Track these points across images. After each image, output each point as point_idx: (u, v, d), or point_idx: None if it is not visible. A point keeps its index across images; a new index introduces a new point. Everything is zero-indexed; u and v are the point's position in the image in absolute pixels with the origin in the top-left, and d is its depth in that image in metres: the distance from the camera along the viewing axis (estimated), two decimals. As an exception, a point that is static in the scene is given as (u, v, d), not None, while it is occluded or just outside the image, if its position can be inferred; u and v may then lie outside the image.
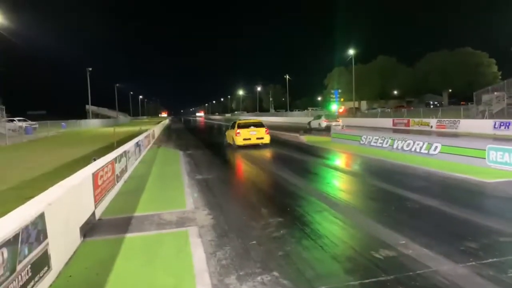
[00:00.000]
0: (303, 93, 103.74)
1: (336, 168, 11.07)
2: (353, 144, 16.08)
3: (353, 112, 52.92)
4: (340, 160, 12.78)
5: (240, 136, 16.56)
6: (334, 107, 47.00)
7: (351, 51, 48.49)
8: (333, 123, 26.83)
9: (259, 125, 17.11)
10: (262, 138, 16.75)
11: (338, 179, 9.53)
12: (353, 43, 51.22)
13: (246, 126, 16.96)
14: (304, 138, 20.02)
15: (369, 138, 15.23)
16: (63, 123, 39.35)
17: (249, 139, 16.63)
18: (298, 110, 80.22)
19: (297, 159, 13.06)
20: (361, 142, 15.67)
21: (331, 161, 12.45)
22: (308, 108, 76.93)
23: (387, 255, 4.47)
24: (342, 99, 52.58)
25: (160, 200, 7.47)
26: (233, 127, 17.50)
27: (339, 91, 49.04)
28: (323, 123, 28.36)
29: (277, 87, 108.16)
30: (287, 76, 72.34)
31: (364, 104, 73.90)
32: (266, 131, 16.95)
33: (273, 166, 11.56)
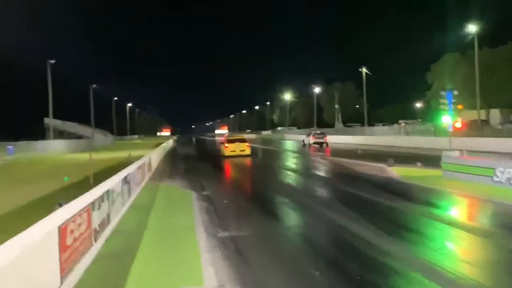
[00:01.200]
0: (389, 98, 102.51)
1: (453, 223, 10.79)
2: (480, 181, 15.71)
3: (478, 127, 51.10)
4: (459, 209, 12.71)
5: (228, 149, 33.44)
6: (447, 119, 45.31)
7: (472, 28, 46.82)
8: (320, 140, 48.84)
9: (242, 140, 35.04)
10: (244, 150, 33.52)
11: (457, 241, 9.37)
12: (475, 14, 49.31)
13: (232, 141, 34.62)
14: (395, 172, 19.82)
15: (510, 172, 14.69)
16: (9, 147, 40.95)
17: (234, 151, 33.26)
18: (383, 124, 78.67)
19: (383, 206, 12.91)
20: (495, 178, 15.17)
21: (444, 211, 12.22)
22: (399, 121, 74.83)
23: None
24: (459, 106, 49.93)
25: (163, 271, 7.45)
26: (223, 143, 36.45)
27: (455, 92, 45.72)
28: (311, 140, 49.55)
29: (347, 87, 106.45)
30: (365, 70, 68.86)
31: (496, 115, 70.81)
32: (247, 145, 34.13)
33: (342, 216, 11.47)
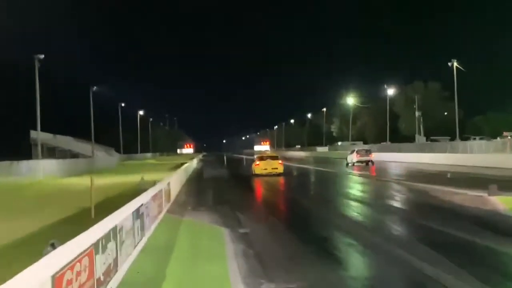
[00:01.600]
0: (489, 103, 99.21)
1: None
2: None
3: None
4: None
5: (259, 167, 39.04)
6: None
7: None
8: (364, 158, 54.56)
9: (274, 158, 41.09)
10: (276, 168, 38.93)
11: None
12: None
13: (264, 158, 40.98)
14: (500, 202, 19.01)
15: None
16: None
17: (266, 169, 38.75)
18: (480, 138, 75.69)
19: (484, 250, 12.29)
20: None
21: None
22: (503, 133, 71.98)
23: None
24: None
25: None
26: (254, 160, 43.84)
27: None
28: (355, 158, 54.72)
29: (431, 88, 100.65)
30: (456, 65, 66.31)
31: None
32: (280, 163, 39.84)
33: (429, 262, 10.83)
